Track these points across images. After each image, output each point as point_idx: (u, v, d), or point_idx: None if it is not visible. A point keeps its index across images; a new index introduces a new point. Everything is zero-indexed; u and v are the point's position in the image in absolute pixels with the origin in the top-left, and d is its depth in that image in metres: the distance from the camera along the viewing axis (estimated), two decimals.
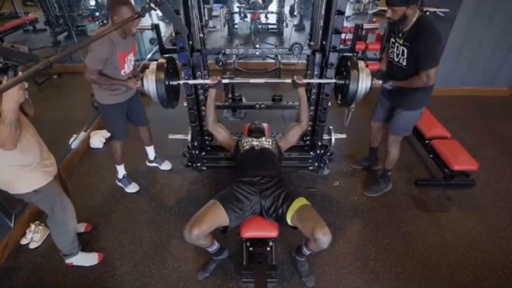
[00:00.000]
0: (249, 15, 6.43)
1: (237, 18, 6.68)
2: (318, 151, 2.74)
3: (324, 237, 1.68)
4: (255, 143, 2.27)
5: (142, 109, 2.69)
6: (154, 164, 3.08)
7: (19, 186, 1.73)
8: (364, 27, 4.18)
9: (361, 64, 2.03)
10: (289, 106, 2.94)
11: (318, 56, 2.38)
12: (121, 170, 2.76)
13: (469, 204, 2.65)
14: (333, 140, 2.78)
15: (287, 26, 6.60)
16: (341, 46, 2.26)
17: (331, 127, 2.81)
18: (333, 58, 2.22)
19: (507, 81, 4.29)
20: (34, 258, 2.23)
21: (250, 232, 1.94)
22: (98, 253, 2.23)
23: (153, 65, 2.07)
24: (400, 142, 2.51)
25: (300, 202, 1.86)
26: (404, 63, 2.17)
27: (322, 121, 2.54)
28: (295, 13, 7.21)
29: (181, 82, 2.25)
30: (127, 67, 2.29)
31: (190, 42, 2.34)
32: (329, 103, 2.43)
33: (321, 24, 2.37)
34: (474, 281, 2.08)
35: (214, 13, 7.27)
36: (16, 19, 5.43)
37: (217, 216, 1.83)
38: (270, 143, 2.30)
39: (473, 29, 3.79)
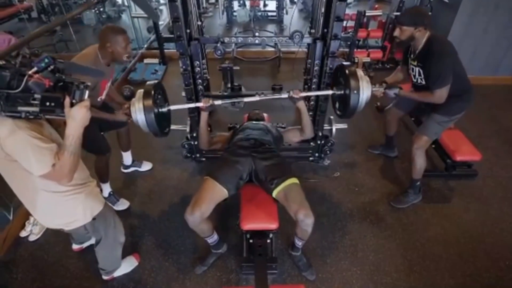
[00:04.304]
0: (248, 2, 6.32)
1: (236, 5, 6.57)
2: (318, 142, 2.71)
3: (306, 219, 1.70)
4: (254, 123, 2.26)
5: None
6: (132, 169, 2.86)
7: (79, 217, 1.48)
8: (366, 14, 4.14)
9: (359, 72, 1.93)
10: None
11: (319, 44, 2.33)
12: (106, 188, 2.49)
13: (471, 195, 2.63)
14: (334, 130, 2.75)
15: (287, 13, 6.49)
16: (342, 34, 2.21)
17: (331, 117, 2.77)
18: (334, 46, 2.17)
19: (510, 70, 4.22)
20: (34, 250, 2.22)
21: (250, 224, 1.92)
22: (133, 254, 2.13)
23: (139, 93, 1.86)
24: (425, 150, 2.39)
25: (291, 181, 1.85)
26: (424, 82, 2.19)
27: (322, 111, 2.51)
28: (295, 0, 7.08)
29: (172, 107, 2.06)
30: (104, 94, 2.15)
31: (188, 30, 2.27)
32: None
33: (322, 11, 2.31)
34: (475, 272, 2.07)
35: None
36: (11, 7, 5.34)
37: (213, 192, 1.82)
38: (271, 124, 2.29)
39: (478, 16, 3.71)
